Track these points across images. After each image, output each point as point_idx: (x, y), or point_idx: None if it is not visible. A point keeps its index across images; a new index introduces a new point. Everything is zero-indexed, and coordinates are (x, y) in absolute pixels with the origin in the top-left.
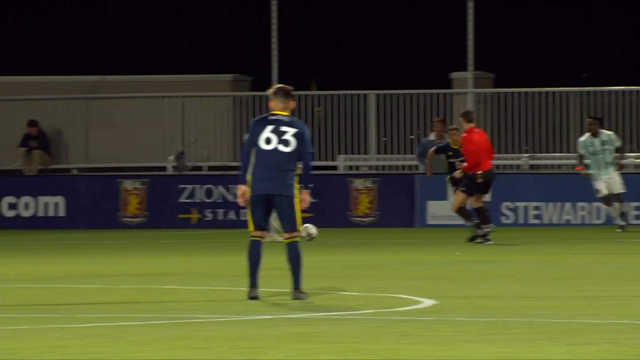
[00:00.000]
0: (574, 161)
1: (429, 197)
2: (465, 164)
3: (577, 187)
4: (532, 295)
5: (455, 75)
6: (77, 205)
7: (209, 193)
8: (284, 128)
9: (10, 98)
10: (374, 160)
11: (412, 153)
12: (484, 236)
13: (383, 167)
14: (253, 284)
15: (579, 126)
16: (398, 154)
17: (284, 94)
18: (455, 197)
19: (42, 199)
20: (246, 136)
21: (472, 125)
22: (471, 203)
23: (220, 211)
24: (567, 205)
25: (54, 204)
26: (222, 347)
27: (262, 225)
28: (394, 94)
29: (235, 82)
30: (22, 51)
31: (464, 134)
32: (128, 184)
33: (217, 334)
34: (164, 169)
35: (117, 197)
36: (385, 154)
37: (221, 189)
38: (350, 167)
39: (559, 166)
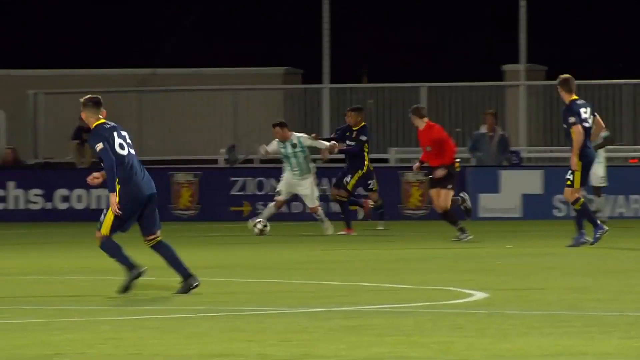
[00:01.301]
0: (630, 154)
1: (480, 189)
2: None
3: (631, 179)
4: (584, 288)
5: (507, 67)
6: None
7: (260, 185)
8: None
9: (63, 91)
10: None
11: (463, 146)
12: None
13: None
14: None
15: (632, 118)
16: None
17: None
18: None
19: (95, 192)
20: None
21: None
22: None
23: (272, 204)
24: (620, 198)
25: (106, 197)
26: (273, 339)
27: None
28: (445, 86)
29: (287, 75)
30: (75, 44)
31: (424, 129)
32: (180, 177)
33: (269, 326)
34: (215, 161)
35: (169, 190)
36: None
37: (272, 181)
38: (402, 160)
39: (612, 159)
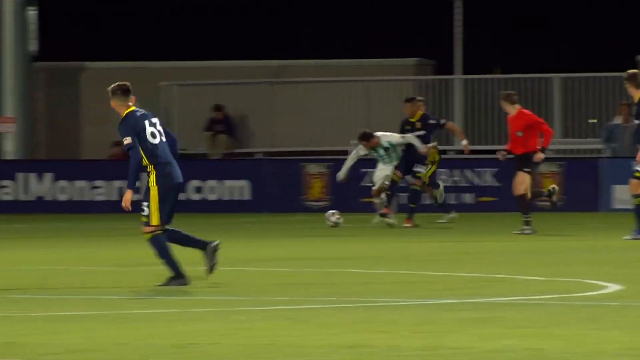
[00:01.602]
0: None
1: (615, 181)
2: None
3: None
4: None
5: None
6: (261, 189)
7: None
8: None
9: (196, 83)
10: (558, 144)
11: (596, 137)
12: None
13: (569, 150)
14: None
15: None
16: (584, 137)
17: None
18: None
19: (228, 183)
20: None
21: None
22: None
23: (404, 195)
24: None
25: (239, 188)
26: (404, 331)
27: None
28: (578, 77)
29: (419, 66)
30: (208, 36)
31: (515, 115)
32: (312, 168)
33: (400, 317)
34: (347, 153)
35: (301, 181)
36: (570, 137)
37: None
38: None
39: None
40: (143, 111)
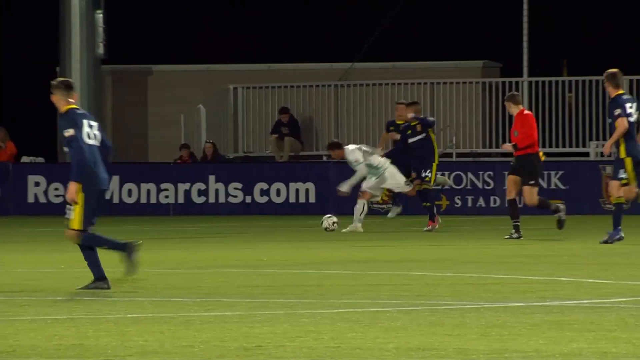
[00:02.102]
0: None
1: None
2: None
3: None
4: None
5: None
6: (327, 192)
7: (457, 180)
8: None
9: (263, 85)
10: None
11: None
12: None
13: None
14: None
15: None
16: None
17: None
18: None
19: (293, 185)
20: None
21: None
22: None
23: (469, 198)
24: None
25: (304, 190)
26: (473, 333)
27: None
28: None
29: (485, 69)
30: (275, 39)
31: (517, 115)
32: None
33: (469, 320)
34: None
35: None
36: None
37: (470, 175)
38: (602, 154)
39: None
40: (84, 111)
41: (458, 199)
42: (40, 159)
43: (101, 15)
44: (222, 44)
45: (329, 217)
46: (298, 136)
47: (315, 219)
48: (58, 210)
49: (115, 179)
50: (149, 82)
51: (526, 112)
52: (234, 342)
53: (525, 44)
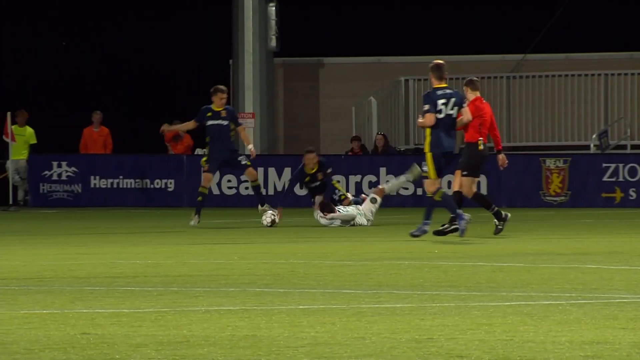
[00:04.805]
0: None
1: None
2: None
3: None
4: None
5: None
6: (499, 184)
7: (632, 172)
8: None
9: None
10: None
11: None
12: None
13: None
14: None
15: None
16: None
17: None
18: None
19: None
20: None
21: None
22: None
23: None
24: None
25: (476, 182)
26: None
27: None
28: None
29: None
30: (446, 31)
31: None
32: (550, 163)
33: None
34: (586, 147)
35: (540, 175)
36: None
37: None
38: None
39: None
40: None
41: (633, 191)
42: None
43: (274, 8)
44: (393, 36)
45: (272, 213)
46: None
47: (487, 211)
48: (230, 202)
49: (287, 170)
50: (321, 74)
51: (482, 101)
52: (405, 334)
53: None
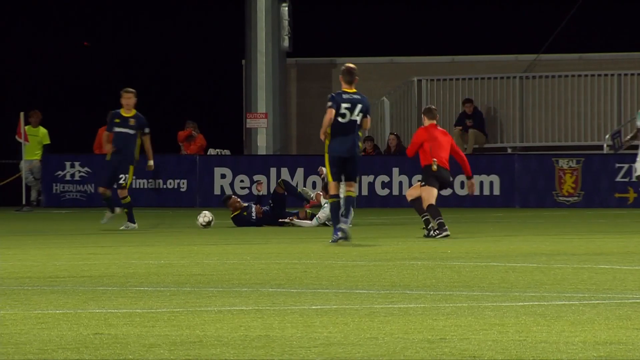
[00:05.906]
0: None
1: None
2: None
3: None
4: None
5: None
6: (512, 184)
7: None
8: None
9: (446, 77)
10: None
11: None
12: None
13: None
14: None
15: None
16: None
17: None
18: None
19: (477, 178)
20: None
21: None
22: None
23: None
24: None
25: (489, 183)
26: None
27: None
28: None
29: None
30: (459, 31)
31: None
32: (563, 163)
33: None
34: (599, 147)
35: (553, 176)
36: None
37: None
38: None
39: None
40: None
41: None
42: (227, 152)
43: (286, 8)
44: (406, 36)
45: (204, 215)
46: (482, 128)
47: (500, 211)
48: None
49: (300, 171)
50: (333, 75)
51: (436, 127)
52: (418, 335)
53: None
